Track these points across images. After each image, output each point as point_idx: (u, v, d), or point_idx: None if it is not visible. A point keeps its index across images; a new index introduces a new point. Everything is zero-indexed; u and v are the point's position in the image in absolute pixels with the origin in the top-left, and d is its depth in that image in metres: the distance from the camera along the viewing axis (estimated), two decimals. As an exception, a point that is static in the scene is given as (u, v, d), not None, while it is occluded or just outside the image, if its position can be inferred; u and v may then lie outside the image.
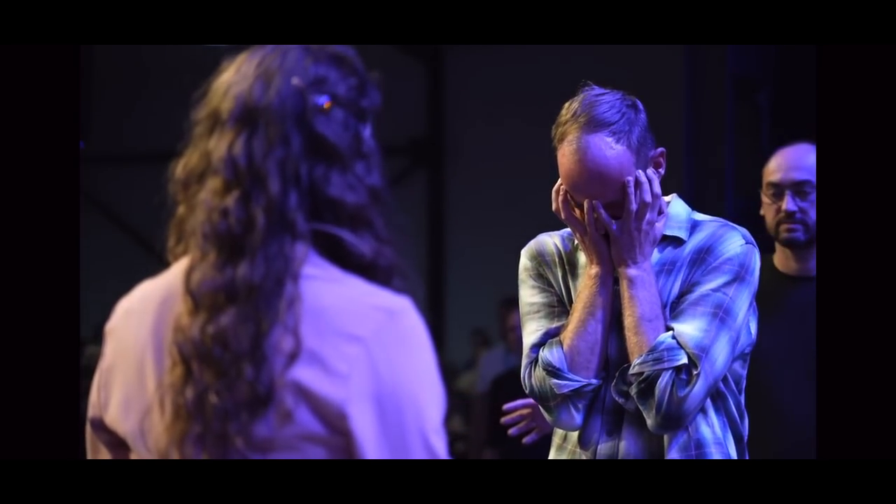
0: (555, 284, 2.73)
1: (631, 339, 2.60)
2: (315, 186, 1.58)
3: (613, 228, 2.61)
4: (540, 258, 2.75)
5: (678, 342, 2.56)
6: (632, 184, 2.59)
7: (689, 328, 2.57)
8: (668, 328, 2.59)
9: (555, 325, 2.69)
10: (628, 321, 2.60)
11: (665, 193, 2.70)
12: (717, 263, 2.62)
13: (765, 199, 3.52)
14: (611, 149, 2.56)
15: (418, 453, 1.55)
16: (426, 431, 1.56)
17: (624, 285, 2.61)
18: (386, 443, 1.54)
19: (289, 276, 1.55)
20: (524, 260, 2.77)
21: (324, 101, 1.61)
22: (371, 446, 1.53)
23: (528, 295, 2.74)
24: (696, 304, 2.60)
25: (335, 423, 1.54)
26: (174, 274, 1.63)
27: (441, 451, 1.57)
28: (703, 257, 2.64)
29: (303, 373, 1.53)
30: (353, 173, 1.60)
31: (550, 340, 2.66)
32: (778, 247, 3.49)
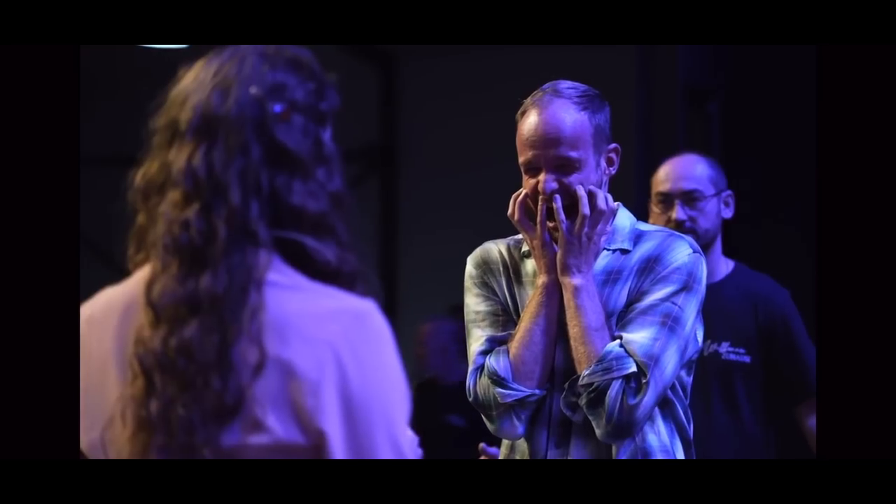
0: (499, 293, 2.74)
1: (578, 349, 2.60)
2: (277, 195, 1.58)
3: (564, 227, 2.63)
4: (485, 266, 2.76)
5: (627, 350, 2.57)
6: (587, 190, 2.63)
7: (638, 337, 2.58)
8: (616, 337, 2.60)
9: (500, 333, 2.70)
10: (574, 331, 2.61)
11: (615, 198, 2.72)
12: (666, 273, 2.64)
13: (654, 209, 3.56)
14: (570, 113, 2.64)
15: (385, 453, 1.56)
16: (394, 432, 1.57)
17: (569, 295, 2.62)
18: (354, 445, 1.54)
19: (252, 285, 1.55)
20: (469, 267, 2.78)
21: (282, 109, 1.61)
22: (340, 449, 1.54)
23: (474, 303, 2.75)
24: (645, 313, 2.61)
25: (306, 429, 1.53)
26: (136, 282, 1.62)
27: (407, 450, 1.58)
28: (652, 266, 2.66)
29: (271, 381, 1.53)
30: (315, 180, 1.60)
31: (497, 349, 2.67)
32: None
